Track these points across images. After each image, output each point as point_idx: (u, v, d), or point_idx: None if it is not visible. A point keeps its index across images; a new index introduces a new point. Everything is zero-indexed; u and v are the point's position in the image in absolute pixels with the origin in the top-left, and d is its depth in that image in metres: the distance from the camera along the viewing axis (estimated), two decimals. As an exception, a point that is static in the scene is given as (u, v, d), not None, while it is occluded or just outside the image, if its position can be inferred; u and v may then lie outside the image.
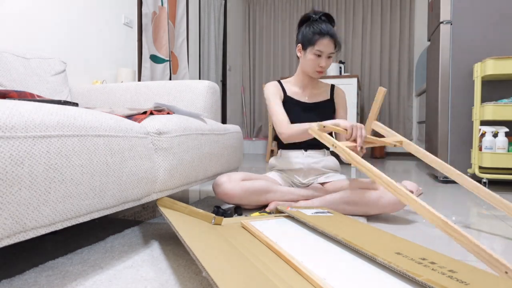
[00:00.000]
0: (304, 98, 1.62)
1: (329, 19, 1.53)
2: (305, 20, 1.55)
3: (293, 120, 1.57)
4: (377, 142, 1.33)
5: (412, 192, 1.89)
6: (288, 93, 1.62)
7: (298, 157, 1.59)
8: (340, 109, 1.65)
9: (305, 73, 1.59)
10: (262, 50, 5.45)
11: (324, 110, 1.61)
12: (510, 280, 0.66)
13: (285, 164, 1.60)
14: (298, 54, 1.56)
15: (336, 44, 1.49)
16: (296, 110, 1.59)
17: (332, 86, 1.67)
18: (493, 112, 2.02)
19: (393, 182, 0.99)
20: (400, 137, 1.43)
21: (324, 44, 1.46)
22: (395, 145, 1.41)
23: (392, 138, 1.43)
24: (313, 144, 1.59)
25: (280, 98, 1.60)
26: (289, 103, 1.60)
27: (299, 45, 1.54)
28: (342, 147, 1.18)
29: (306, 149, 1.59)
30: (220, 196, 1.41)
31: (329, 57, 1.49)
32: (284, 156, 1.63)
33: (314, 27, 1.48)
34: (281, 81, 1.66)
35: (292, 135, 1.45)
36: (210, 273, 0.59)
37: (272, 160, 1.67)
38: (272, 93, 1.59)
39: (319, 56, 1.48)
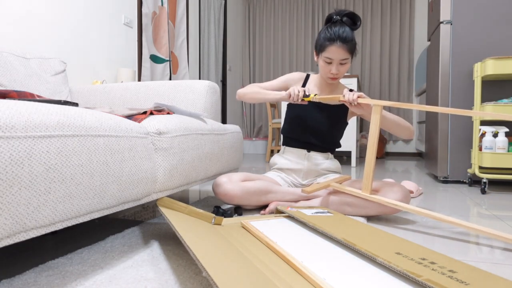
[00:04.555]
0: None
1: (352, 19, 1.43)
2: (328, 21, 1.47)
3: (298, 115, 1.57)
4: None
5: (412, 192, 1.90)
6: (306, 86, 1.60)
7: (300, 157, 1.59)
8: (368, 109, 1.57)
9: (322, 76, 1.56)
10: (262, 50, 5.45)
11: (336, 112, 1.57)
12: (510, 280, 0.66)
13: (286, 163, 1.61)
14: (315, 59, 1.52)
15: (350, 50, 1.40)
16: (305, 107, 1.57)
17: (351, 90, 1.58)
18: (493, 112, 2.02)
19: None
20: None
21: (333, 51, 1.39)
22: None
23: None
24: (317, 146, 1.58)
25: (288, 86, 1.61)
26: None
27: (315, 50, 1.50)
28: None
29: (309, 149, 1.59)
30: (220, 197, 1.41)
31: (341, 63, 1.43)
32: (286, 154, 1.62)
33: (328, 31, 1.41)
34: (310, 75, 1.62)
35: (245, 93, 1.54)
36: (210, 273, 0.59)
37: (274, 158, 1.67)
38: (287, 76, 1.61)
39: (329, 63, 1.44)
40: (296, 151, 1.60)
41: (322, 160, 1.59)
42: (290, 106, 1.62)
